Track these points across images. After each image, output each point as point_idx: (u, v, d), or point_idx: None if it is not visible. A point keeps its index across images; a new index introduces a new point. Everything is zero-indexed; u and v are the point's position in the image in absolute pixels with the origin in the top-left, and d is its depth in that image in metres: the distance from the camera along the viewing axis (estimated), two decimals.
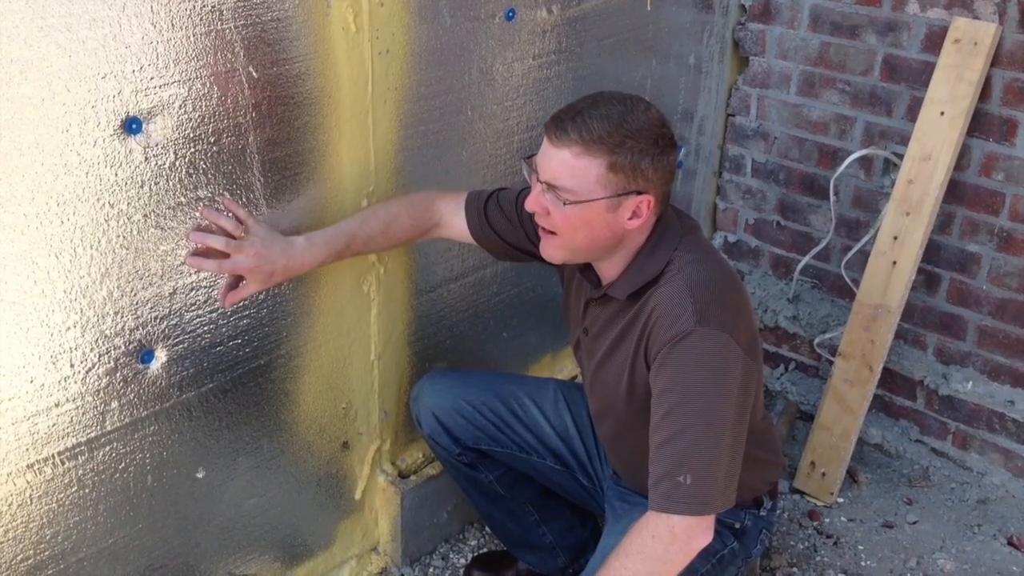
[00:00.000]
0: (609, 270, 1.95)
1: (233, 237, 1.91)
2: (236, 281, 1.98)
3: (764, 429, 2.13)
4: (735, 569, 2.14)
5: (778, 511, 2.28)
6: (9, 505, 1.81)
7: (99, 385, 1.86)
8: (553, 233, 1.87)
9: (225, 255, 1.91)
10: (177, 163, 1.83)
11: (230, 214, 1.93)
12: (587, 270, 2.01)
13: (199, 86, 1.82)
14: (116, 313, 1.84)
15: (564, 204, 1.80)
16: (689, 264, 1.87)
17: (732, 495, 1.83)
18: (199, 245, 1.90)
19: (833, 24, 2.96)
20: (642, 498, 2.11)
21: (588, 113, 1.78)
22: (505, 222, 2.17)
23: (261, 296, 2.08)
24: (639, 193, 1.81)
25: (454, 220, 2.19)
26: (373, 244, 2.13)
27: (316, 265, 2.03)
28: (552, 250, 1.91)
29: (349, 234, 2.07)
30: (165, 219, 1.85)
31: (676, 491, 1.77)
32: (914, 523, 2.82)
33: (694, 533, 1.78)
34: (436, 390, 2.32)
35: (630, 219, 1.84)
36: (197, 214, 1.89)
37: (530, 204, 1.86)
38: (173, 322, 1.94)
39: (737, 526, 2.10)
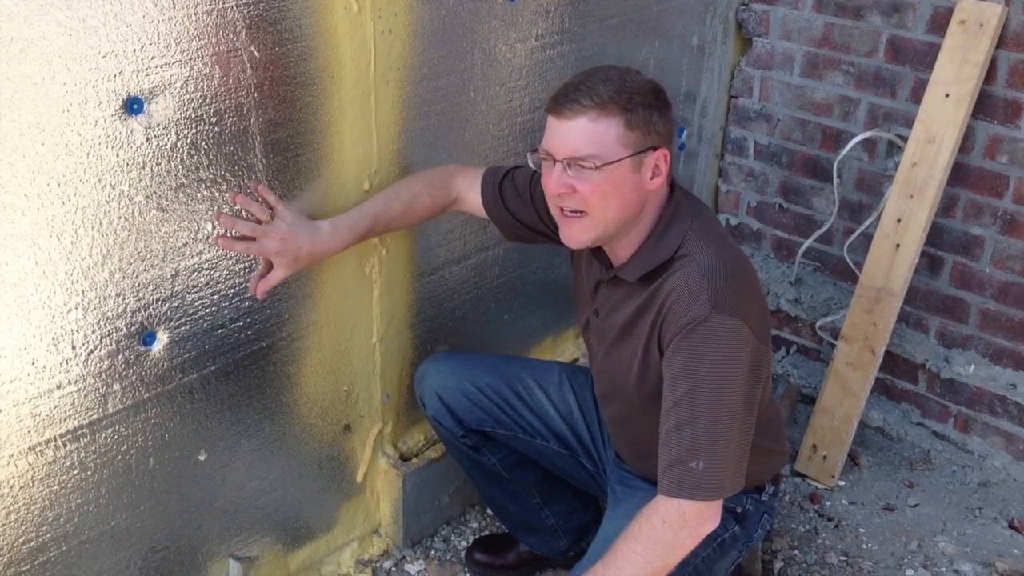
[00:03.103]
0: (621, 251, 1.94)
1: (260, 222, 1.95)
2: (266, 270, 2.00)
3: (771, 417, 2.12)
4: (736, 554, 2.14)
5: (780, 496, 2.28)
6: (11, 487, 1.81)
7: (101, 367, 1.85)
8: (581, 214, 1.85)
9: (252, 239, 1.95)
10: (179, 144, 1.82)
11: (261, 200, 1.96)
12: (598, 251, 2.00)
13: (201, 66, 1.80)
14: (118, 295, 1.83)
15: (595, 168, 1.79)
16: (702, 249, 1.86)
17: (741, 479, 1.83)
18: (227, 228, 1.93)
19: (837, 5, 2.94)
20: (643, 482, 2.11)
21: (590, 81, 1.81)
22: (518, 200, 2.17)
23: None
24: (654, 149, 1.84)
25: (470, 195, 2.21)
26: (395, 224, 2.16)
27: (341, 248, 2.07)
28: (579, 233, 1.87)
29: (373, 216, 2.10)
30: (167, 200, 1.84)
31: (688, 477, 1.77)
32: (915, 506, 2.82)
33: (704, 518, 1.80)
34: (441, 371, 2.31)
35: (652, 178, 1.86)
36: (227, 197, 1.92)
37: (555, 186, 1.83)
38: (175, 304, 1.93)
39: (739, 510, 2.10)
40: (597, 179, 1.80)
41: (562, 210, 1.87)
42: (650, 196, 1.89)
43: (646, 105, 1.82)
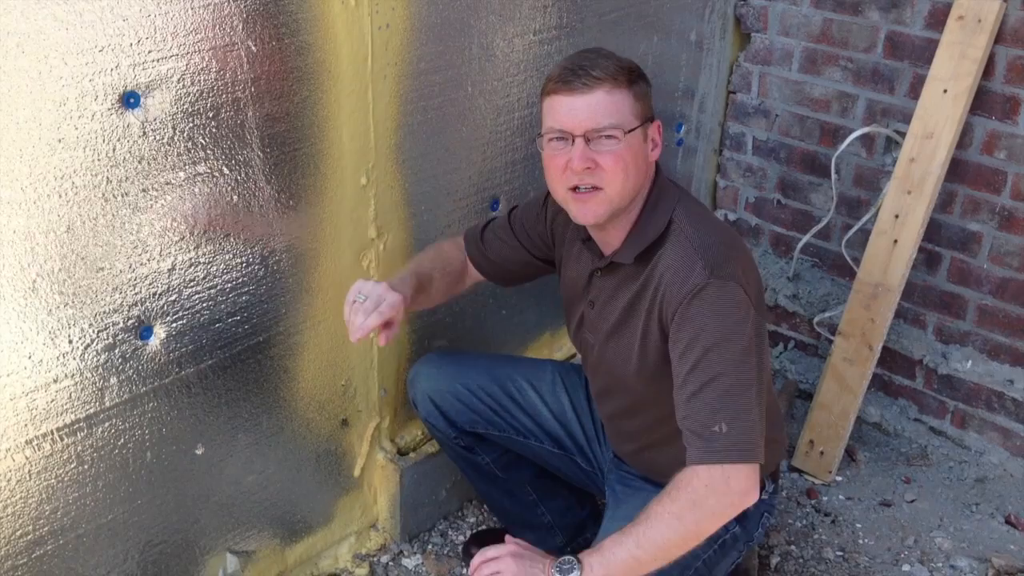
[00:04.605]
0: (614, 237, 1.95)
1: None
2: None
3: (771, 402, 2.12)
4: (736, 554, 2.13)
5: (780, 494, 2.27)
6: (8, 481, 1.81)
7: (98, 361, 1.86)
8: (597, 189, 1.85)
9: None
10: (175, 138, 1.82)
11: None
12: (589, 241, 2.01)
13: (198, 60, 1.80)
14: (114, 289, 1.83)
15: (622, 137, 1.81)
16: (690, 225, 1.89)
17: (763, 445, 1.80)
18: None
19: (836, 0, 2.94)
20: (645, 482, 2.11)
21: (591, 59, 1.85)
22: (501, 244, 2.21)
23: (260, 273, 2.07)
24: (651, 120, 1.90)
25: (465, 258, 2.26)
26: (435, 286, 2.18)
27: (406, 301, 2.04)
28: (596, 206, 1.87)
29: (416, 273, 2.13)
30: (163, 195, 1.84)
31: (718, 441, 1.74)
32: (912, 501, 2.82)
33: (752, 482, 1.76)
34: (432, 373, 2.31)
35: (652, 149, 1.91)
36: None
37: (579, 161, 1.82)
38: (171, 298, 1.93)
39: None
40: (618, 149, 1.82)
41: (575, 188, 1.87)
42: (650, 170, 1.93)
43: (641, 78, 1.89)
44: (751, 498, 1.77)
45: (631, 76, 1.85)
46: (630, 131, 1.83)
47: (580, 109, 1.82)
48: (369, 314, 1.92)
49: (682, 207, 1.92)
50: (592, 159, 1.83)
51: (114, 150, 1.74)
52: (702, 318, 1.79)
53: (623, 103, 1.83)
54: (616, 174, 1.83)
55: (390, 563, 2.56)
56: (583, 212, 1.89)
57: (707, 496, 1.75)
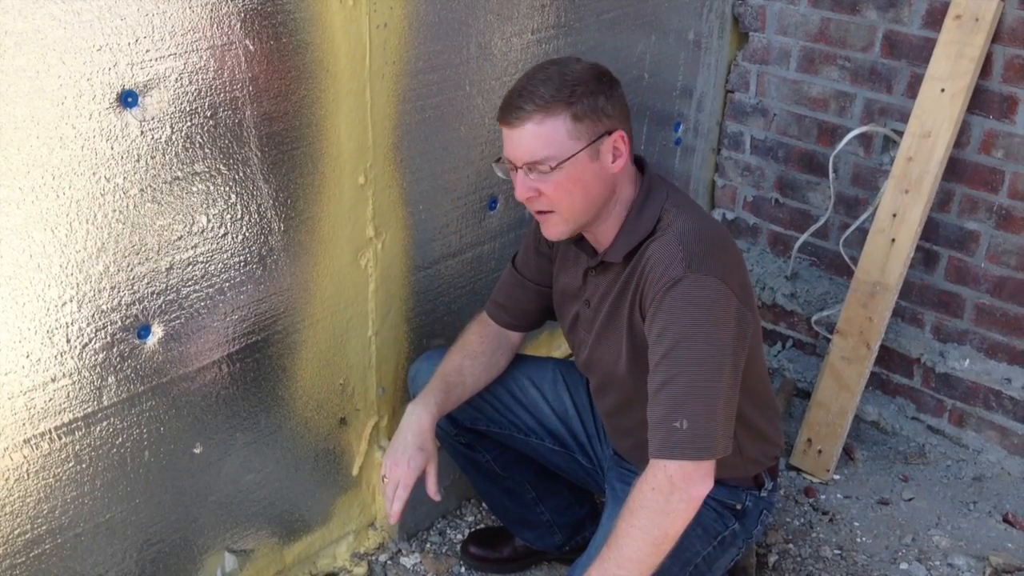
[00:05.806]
0: (603, 236, 1.96)
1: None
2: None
3: (768, 397, 2.12)
4: (736, 551, 2.14)
5: (779, 492, 2.28)
6: (6, 480, 1.81)
7: (96, 360, 1.86)
8: (550, 212, 1.88)
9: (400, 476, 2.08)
10: (173, 137, 1.82)
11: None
12: (581, 241, 2.02)
13: (196, 59, 1.80)
14: (113, 288, 1.84)
15: (551, 170, 1.82)
16: (678, 218, 1.90)
17: (729, 442, 1.81)
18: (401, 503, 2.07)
19: (833, 0, 2.94)
20: None
21: (530, 85, 1.83)
22: (512, 289, 2.25)
23: (258, 272, 2.07)
24: (609, 133, 1.86)
25: (493, 327, 2.27)
26: (468, 373, 2.21)
27: (442, 413, 2.15)
28: (555, 227, 1.91)
29: (442, 375, 2.18)
30: (162, 194, 1.84)
31: (672, 436, 1.76)
32: (910, 500, 2.82)
33: (692, 479, 1.76)
34: (432, 370, 2.30)
35: (613, 162, 1.88)
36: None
37: (521, 193, 1.87)
38: (170, 297, 1.93)
39: (738, 507, 2.09)
40: (557, 178, 1.83)
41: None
42: (618, 179, 1.91)
43: (590, 92, 1.83)
44: (701, 491, 1.78)
45: (572, 96, 1.80)
46: (565, 160, 1.81)
47: (515, 143, 1.84)
48: (391, 501, 2.05)
49: (672, 203, 1.93)
50: (534, 188, 1.85)
51: (112, 149, 1.74)
52: (675, 310, 1.79)
53: (556, 132, 1.81)
54: (561, 199, 1.86)
55: (388, 562, 2.56)
56: (547, 231, 1.94)
57: (656, 498, 1.76)
